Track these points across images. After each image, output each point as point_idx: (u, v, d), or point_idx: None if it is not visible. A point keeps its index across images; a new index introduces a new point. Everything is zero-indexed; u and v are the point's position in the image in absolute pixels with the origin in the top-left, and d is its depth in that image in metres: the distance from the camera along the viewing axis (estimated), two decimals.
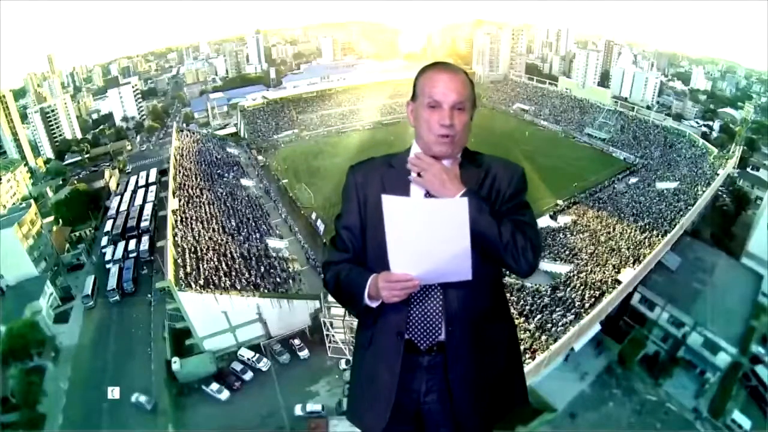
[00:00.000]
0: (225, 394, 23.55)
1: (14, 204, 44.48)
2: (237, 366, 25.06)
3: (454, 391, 1.59)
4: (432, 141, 1.59)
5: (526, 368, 19.66)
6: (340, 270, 1.66)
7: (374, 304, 1.57)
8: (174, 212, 31.66)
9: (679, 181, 41.61)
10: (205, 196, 36.55)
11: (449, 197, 1.49)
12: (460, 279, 1.47)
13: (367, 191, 1.67)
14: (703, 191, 37.57)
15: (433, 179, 1.54)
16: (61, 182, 56.43)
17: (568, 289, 26.56)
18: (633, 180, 45.57)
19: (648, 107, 64.74)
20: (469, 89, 1.59)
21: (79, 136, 69.78)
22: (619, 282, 26.33)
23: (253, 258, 29.83)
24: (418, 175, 1.56)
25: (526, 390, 1.79)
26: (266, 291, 26.63)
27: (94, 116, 77.27)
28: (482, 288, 1.60)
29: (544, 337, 22.52)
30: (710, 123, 61.90)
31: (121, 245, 35.69)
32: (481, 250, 1.48)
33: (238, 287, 25.93)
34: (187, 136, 51.99)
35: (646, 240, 30.90)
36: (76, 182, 52.47)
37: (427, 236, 1.41)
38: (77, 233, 42.53)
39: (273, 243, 32.85)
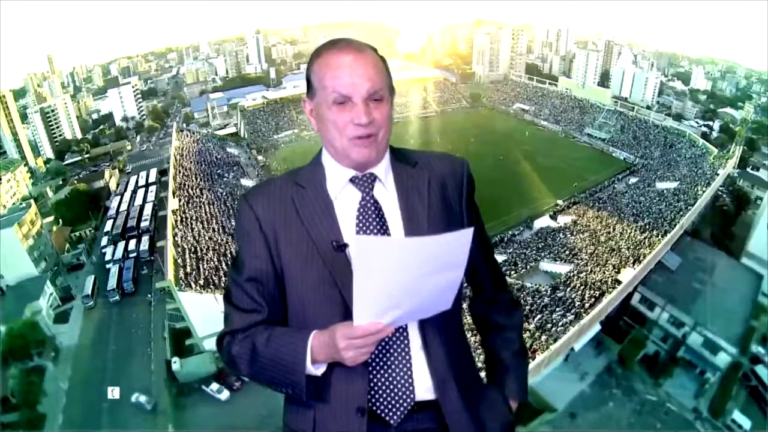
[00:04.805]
0: (225, 394, 23.44)
1: (14, 204, 44.39)
2: None
3: None
4: (347, 146, 1.16)
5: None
6: (254, 337, 1.15)
7: (320, 371, 1.12)
8: (174, 212, 31.64)
9: (679, 181, 41.62)
10: (205, 196, 36.55)
11: None
12: (440, 310, 1.13)
13: (277, 225, 1.19)
14: (703, 191, 37.57)
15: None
16: (61, 182, 56.31)
17: (568, 289, 26.57)
18: (633, 180, 45.58)
19: (648, 107, 64.71)
20: (383, 71, 1.17)
21: (79, 136, 69.65)
22: (619, 282, 26.32)
23: None
24: None
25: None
26: None
27: (94, 116, 77.14)
28: (455, 312, 1.24)
29: (544, 337, 22.51)
30: (710, 123, 61.79)
31: (121, 245, 35.61)
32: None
33: None
34: (187, 136, 51.96)
35: (646, 240, 30.91)
36: (76, 182, 52.40)
37: (415, 277, 1.05)
38: (77, 233, 42.43)
39: None
